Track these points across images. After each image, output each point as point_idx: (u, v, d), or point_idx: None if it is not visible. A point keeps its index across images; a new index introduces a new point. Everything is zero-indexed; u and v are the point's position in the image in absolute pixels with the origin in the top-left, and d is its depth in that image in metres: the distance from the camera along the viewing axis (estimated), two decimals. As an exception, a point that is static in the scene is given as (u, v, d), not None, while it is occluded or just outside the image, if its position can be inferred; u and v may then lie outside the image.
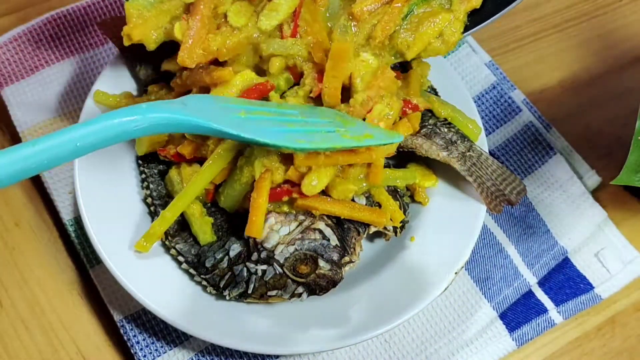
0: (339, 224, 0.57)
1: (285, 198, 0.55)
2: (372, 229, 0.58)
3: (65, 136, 0.43)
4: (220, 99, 0.54)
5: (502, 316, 0.63)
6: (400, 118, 0.59)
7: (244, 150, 0.56)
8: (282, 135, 0.50)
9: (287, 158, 0.55)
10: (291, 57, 0.57)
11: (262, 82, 0.56)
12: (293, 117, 0.54)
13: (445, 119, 0.62)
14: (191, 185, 0.56)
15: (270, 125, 0.52)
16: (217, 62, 0.58)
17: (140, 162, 0.62)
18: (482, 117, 0.71)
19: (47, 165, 0.43)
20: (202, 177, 0.56)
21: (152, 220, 0.59)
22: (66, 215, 0.65)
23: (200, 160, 0.58)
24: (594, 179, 0.69)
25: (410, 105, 0.60)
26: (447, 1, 0.59)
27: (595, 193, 0.69)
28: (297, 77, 0.58)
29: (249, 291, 0.55)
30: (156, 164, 0.62)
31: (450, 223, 0.61)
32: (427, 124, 0.61)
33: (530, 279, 0.64)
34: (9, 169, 0.41)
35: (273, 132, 0.50)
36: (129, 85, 0.65)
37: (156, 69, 0.63)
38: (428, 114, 0.62)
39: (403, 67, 0.64)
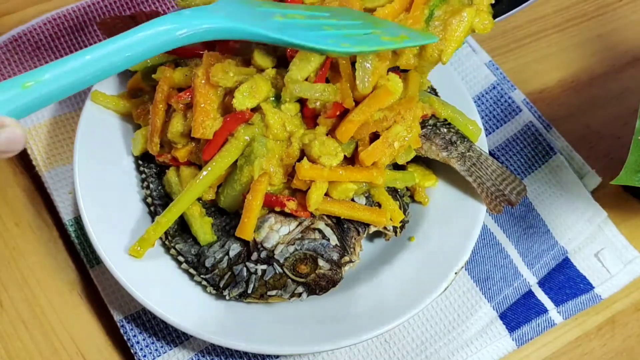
0: (339, 223, 0.57)
1: (278, 209, 0.55)
2: (372, 229, 0.58)
3: (114, 45, 0.43)
4: (252, 1, 0.53)
5: (502, 316, 0.63)
6: None
7: (243, 152, 0.56)
8: (325, 39, 0.49)
9: (287, 162, 0.56)
10: (314, 100, 0.55)
11: (242, 111, 0.55)
12: (326, 20, 0.52)
13: (445, 120, 0.62)
14: (186, 192, 0.56)
15: (310, 29, 0.51)
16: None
17: (140, 162, 0.62)
18: (482, 117, 0.71)
19: (98, 77, 0.43)
20: (198, 185, 0.56)
21: (152, 220, 0.59)
22: (66, 215, 0.65)
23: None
24: (594, 179, 0.69)
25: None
26: None
27: (595, 193, 0.69)
28: (311, 116, 0.56)
29: (249, 291, 0.55)
30: (156, 164, 0.61)
31: (450, 223, 0.61)
32: (427, 124, 0.61)
33: (530, 279, 0.64)
34: (62, 81, 0.41)
35: (317, 36, 0.49)
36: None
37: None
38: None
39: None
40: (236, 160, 0.56)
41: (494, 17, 0.58)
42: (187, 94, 0.57)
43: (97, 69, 0.42)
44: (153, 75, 0.60)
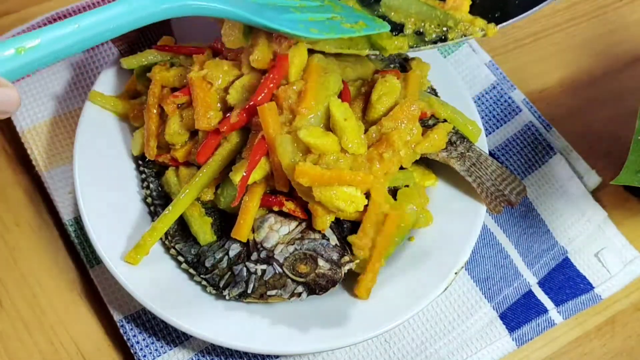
0: (339, 223, 0.57)
1: (276, 208, 0.55)
2: (372, 229, 0.58)
3: (101, 15, 0.44)
4: None
5: (502, 316, 0.63)
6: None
7: (241, 152, 0.56)
8: (296, 24, 0.54)
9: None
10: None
11: (215, 137, 0.56)
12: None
13: (445, 120, 0.62)
14: (181, 197, 0.56)
15: (281, 11, 0.55)
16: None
17: (139, 162, 0.62)
18: (482, 117, 0.71)
19: (86, 45, 0.43)
20: (192, 189, 0.56)
21: (152, 220, 0.59)
22: (66, 215, 0.65)
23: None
24: (594, 179, 0.69)
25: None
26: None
27: (595, 193, 0.69)
28: None
29: (249, 291, 0.55)
30: (156, 164, 0.61)
31: (450, 223, 0.61)
32: (426, 124, 0.61)
33: (530, 279, 0.64)
34: (53, 47, 0.42)
35: (288, 21, 0.54)
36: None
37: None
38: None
39: (402, 67, 0.64)
40: (234, 161, 0.56)
41: (503, 20, 0.59)
42: (182, 93, 0.57)
43: (85, 37, 0.43)
44: (147, 74, 0.60)
